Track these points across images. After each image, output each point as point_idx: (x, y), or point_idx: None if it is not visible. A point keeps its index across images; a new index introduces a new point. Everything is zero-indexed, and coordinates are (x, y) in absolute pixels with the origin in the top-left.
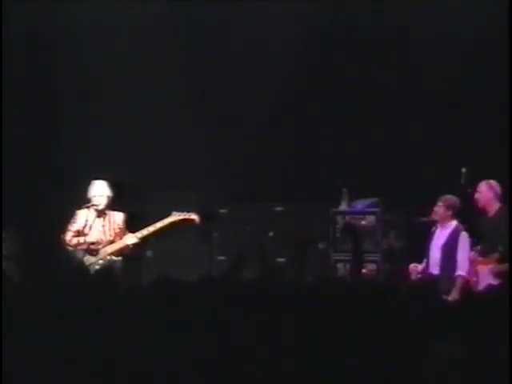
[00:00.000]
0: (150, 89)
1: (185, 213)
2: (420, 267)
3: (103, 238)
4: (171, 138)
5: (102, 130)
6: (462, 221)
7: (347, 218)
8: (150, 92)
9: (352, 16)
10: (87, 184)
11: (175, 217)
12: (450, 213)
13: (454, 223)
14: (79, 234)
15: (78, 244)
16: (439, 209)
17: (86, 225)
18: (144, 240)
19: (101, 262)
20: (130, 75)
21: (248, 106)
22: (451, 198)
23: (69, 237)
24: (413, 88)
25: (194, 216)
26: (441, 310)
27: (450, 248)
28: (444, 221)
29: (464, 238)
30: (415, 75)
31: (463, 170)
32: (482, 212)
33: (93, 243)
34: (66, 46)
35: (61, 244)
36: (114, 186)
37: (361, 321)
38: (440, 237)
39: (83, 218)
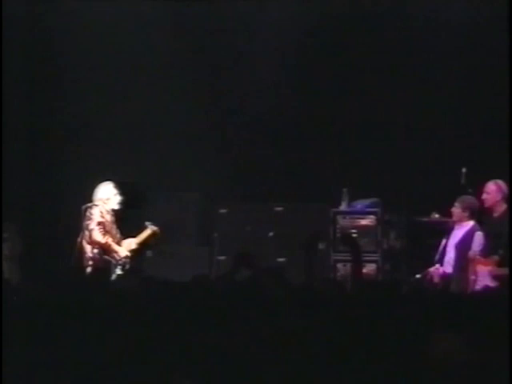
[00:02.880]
0: (151, 89)
1: (153, 226)
2: (442, 269)
3: (116, 238)
4: (172, 138)
5: (103, 130)
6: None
7: (345, 221)
8: (150, 92)
9: (352, 15)
10: (87, 184)
11: (151, 229)
12: (466, 214)
13: (470, 223)
14: (104, 231)
15: (105, 242)
16: (456, 210)
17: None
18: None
19: (128, 260)
20: (130, 75)
21: (248, 106)
22: (467, 199)
23: (98, 234)
24: (413, 87)
25: (155, 228)
26: (441, 311)
27: (464, 247)
28: (461, 221)
29: (479, 238)
30: (415, 75)
31: (463, 170)
32: (488, 212)
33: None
34: (66, 46)
35: (81, 244)
36: (117, 186)
37: (361, 321)
38: (455, 236)
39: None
